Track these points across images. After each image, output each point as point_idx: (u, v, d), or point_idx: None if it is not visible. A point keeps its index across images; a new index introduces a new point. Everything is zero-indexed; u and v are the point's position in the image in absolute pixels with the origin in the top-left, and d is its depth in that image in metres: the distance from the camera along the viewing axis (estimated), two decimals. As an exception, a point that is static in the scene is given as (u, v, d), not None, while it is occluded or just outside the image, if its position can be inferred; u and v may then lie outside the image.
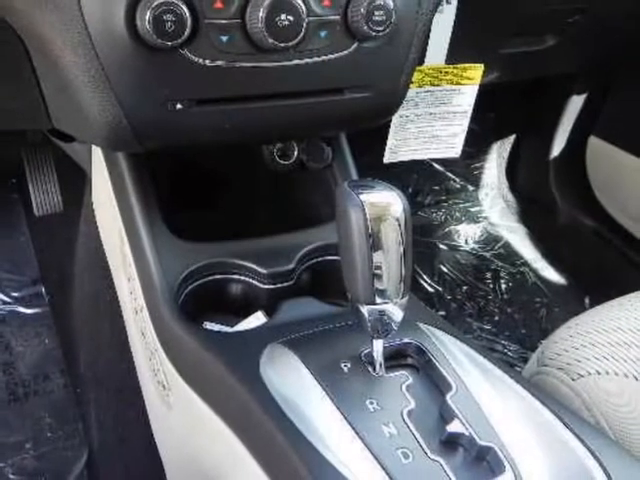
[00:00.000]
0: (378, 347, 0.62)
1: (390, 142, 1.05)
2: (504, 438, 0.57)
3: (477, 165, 2.03)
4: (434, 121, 1.05)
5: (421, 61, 0.96)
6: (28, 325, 1.51)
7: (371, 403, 0.59)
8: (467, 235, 1.96)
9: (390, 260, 0.58)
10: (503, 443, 0.56)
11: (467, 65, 1.01)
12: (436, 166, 1.98)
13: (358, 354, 0.64)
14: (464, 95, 1.04)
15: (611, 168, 1.66)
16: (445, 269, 1.85)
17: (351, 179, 0.91)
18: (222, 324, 0.79)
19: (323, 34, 0.69)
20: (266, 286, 0.80)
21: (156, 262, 0.79)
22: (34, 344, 1.48)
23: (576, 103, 1.74)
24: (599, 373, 0.78)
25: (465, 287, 1.82)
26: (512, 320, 1.75)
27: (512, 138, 1.98)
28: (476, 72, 1.02)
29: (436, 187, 2.00)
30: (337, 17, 0.69)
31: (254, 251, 0.81)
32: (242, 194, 1.04)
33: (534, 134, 1.90)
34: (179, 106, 0.69)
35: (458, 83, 1.02)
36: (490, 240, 1.96)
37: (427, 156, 1.09)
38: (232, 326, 0.78)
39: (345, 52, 0.72)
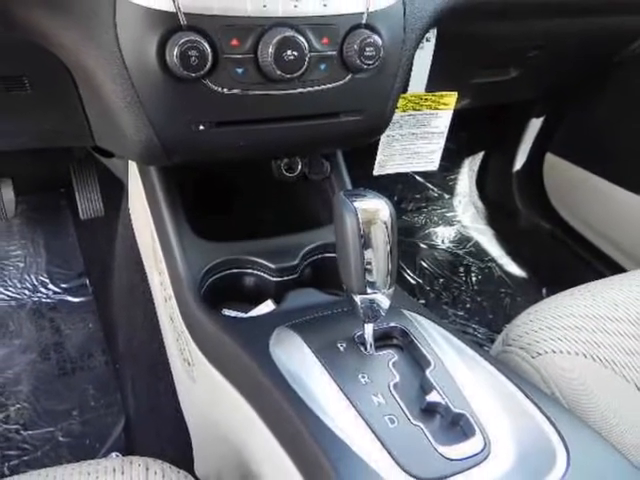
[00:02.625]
0: (369, 330, 0.62)
1: (379, 157, 1.05)
2: (474, 406, 0.57)
3: (452, 177, 2.02)
4: (416, 140, 1.05)
5: (405, 89, 0.96)
6: (75, 312, 1.51)
7: (362, 377, 0.59)
8: (443, 236, 1.96)
9: (379, 257, 0.58)
10: (474, 411, 0.56)
11: (443, 93, 1.01)
12: (417, 178, 1.97)
13: (352, 336, 0.64)
14: (441, 118, 1.03)
15: (564, 180, 1.66)
16: (425, 264, 1.85)
17: (346, 189, 0.91)
18: (238, 311, 0.79)
19: (322, 67, 0.69)
20: (274, 279, 0.79)
21: (182, 258, 0.79)
22: (80, 327, 1.48)
23: (535, 125, 1.74)
24: (554, 352, 0.78)
25: (442, 280, 1.82)
26: (481, 307, 1.75)
27: (481, 154, 1.98)
28: (451, 99, 1.02)
29: (417, 195, 1.99)
30: (334, 52, 0.69)
31: (264, 249, 0.81)
32: (254, 201, 1.03)
33: (500, 151, 1.89)
34: (202, 127, 0.69)
35: (436, 108, 1.02)
36: (463, 240, 1.95)
37: (410, 169, 1.08)
38: (246, 312, 0.78)
39: (341, 82, 0.72)
